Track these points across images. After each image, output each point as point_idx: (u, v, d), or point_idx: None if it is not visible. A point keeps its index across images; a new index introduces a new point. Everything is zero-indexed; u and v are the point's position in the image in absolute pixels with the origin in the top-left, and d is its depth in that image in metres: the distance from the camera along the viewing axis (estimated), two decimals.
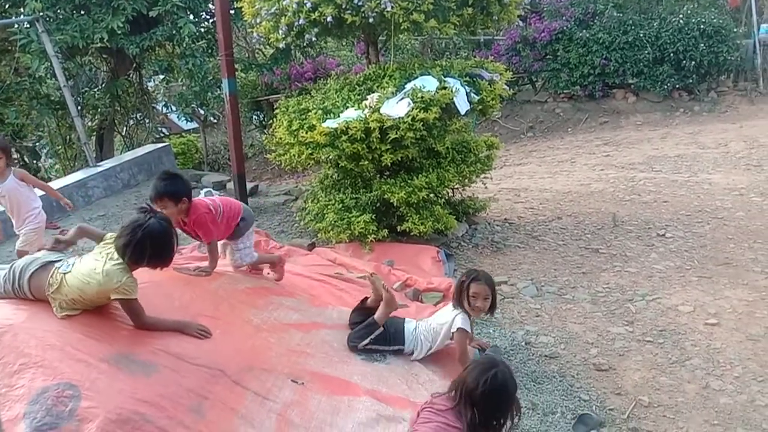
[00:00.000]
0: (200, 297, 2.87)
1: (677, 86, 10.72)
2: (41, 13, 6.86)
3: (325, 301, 3.41)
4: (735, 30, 11.10)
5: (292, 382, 2.52)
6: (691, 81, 10.67)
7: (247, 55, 11.04)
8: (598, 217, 5.63)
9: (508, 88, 5.29)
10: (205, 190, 6.78)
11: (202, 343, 2.52)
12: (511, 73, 5.71)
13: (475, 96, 4.88)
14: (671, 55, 10.52)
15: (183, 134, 11.90)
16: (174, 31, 7.42)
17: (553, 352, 3.35)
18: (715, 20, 10.60)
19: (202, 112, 8.93)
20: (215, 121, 10.49)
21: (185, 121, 10.35)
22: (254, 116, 10.49)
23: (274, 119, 5.23)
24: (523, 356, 3.30)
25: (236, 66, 7.19)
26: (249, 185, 6.53)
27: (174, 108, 9.42)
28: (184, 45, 7.63)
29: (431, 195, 4.79)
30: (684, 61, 10.49)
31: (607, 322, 3.67)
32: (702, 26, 10.45)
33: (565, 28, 11.11)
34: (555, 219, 5.67)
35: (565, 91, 11.27)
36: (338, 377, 2.68)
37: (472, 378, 2.07)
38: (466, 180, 5.13)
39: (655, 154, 8.06)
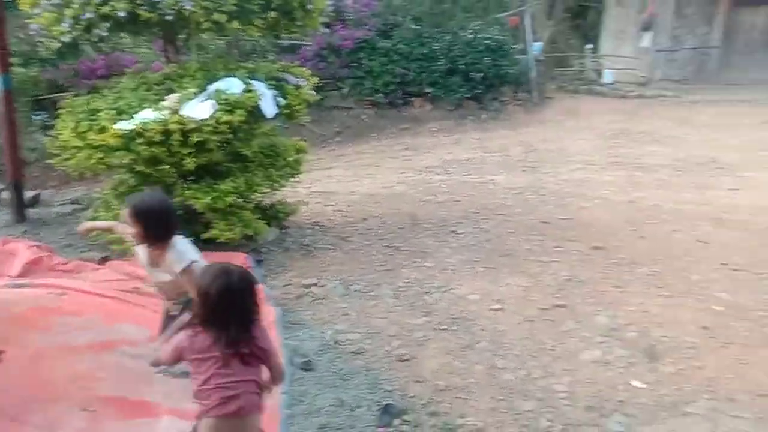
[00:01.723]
0: None
1: (467, 96, 11.80)
2: None
3: (120, 319, 3.18)
4: (514, 46, 12.55)
5: (81, 411, 2.31)
6: (478, 91, 11.81)
7: (27, 48, 9.83)
8: (399, 217, 5.99)
9: (314, 93, 5.39)
10: None
11: None
12: (318, 78, 5.85)
13: (282, 100, 4.90)
14: (461, 67, 11.56)
15: None
16: None
17: (360, 348, 3.50)
18: (498, 36, 11.88)
19: None
20: None
21: None
22: (36, 116, 9.35)
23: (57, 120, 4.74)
24: (331, 355, 3.40)
25: (13, 60, 6.38)
26: (29, 194, 5.83)
27: None
28: None
29: (239, 200, 4.71)
30: (472, 73, 11.58)
31: (408, 315, 3.93)
32: (487, 41, 11.65)
33: (368, 37, 11.62)
34: (362, 220, 5.92)
35: (369, 98, 11.79)
36: (135, 399, 2.52)
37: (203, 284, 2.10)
38: (276, 184, 5.12)
39: (449, 158, 8.79)
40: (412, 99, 11.88)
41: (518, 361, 3.45)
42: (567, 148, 8.99)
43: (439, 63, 11.55)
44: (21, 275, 3.85)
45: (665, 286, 4.36)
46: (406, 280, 4.46)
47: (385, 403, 2.98)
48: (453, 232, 5.52)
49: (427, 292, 4.25)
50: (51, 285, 3.43)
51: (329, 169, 8.48)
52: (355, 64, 11.71)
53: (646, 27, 14.49)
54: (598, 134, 9.94)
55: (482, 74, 11.60)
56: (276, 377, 2.26)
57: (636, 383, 3.25)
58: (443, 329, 3.75)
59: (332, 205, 6.48)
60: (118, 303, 3.40)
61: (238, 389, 2.05)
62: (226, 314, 2.09)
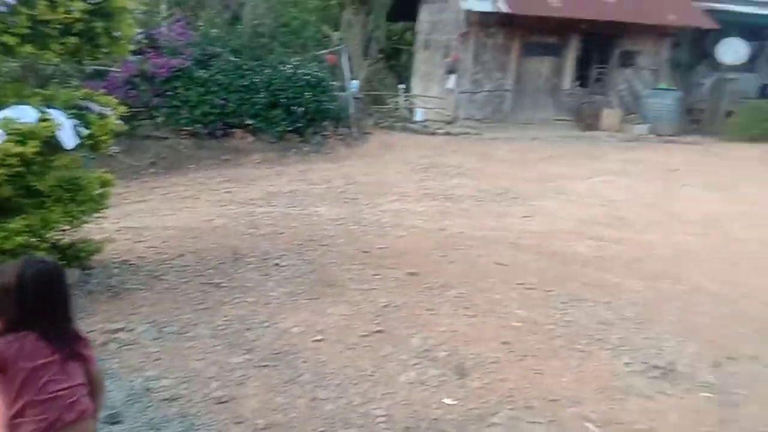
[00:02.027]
0: None
1: (289, 129, 11.91)
2: None
3: None
4: (333, 83, 12.98)
5: None
6: (300, 125, 11.99)
7: None
8: (220, 251, 5.82)
9: (122, 123, 5.07)
10: None
11: None
12: (128, 107, 5.51)
13: (84, 130, 4.55)
14: (283, 100, 11.67)
15: None
16: None
17: (174, 394, 3.31)
18: (317, 73, 12.20)
19: None
20: None
21: None
22: None
23: None
24: (142, 405, 3.17)
25: None
26: None
27: None
28: None
29: (32, 239, 4.24)
30: (293, 107, 11.74)
31: (228, 354, 3.81)
32: (307, 77, 11.91)
33: (183, 66, 11.25)
34: (178, 256, 5.64)
35: (186, 128, 11.37)
36: None
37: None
38: (77, 221, 4.70)
39: (272, 189, 8.77)
40: (233, 130, 11.69)
41: (339, 390, 3.51)
42: (385, 181, 9.46)
43: (260, 95, 11.54)
44: None
45: (471, 307, 4.75)
46: (226, 318, 4.33)
47: None
48: (276, 264, 5.49)
49: (248, 329, 4.16)
50: None
51: (142, 203, 7.99)
52: (170, 93, 11.24)
53: (451, 70, 15.89)
54: (412, 168, 10.61)
55: (303, 108, 11.81)
56: (98, 390, 2.01)
57: (448, 400, 3.48)
58: (265, 365, 3.70)
59: (144, 241, 6.10)
60: None
61: (77, 394, 1.86)
62: (51, 306, 1.88)
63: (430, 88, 18.06)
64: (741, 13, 16.86)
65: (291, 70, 11.87)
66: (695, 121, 16.75)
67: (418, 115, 15.67)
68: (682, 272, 5.81)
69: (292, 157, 11.32)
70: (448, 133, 14.34)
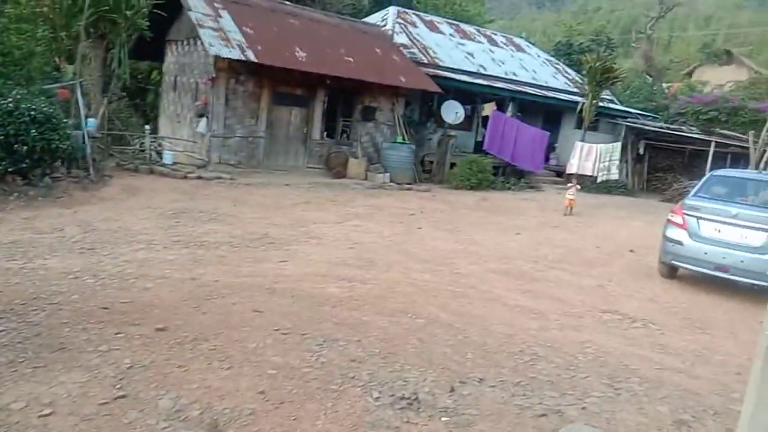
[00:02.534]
0: None
1: (10, 170, 10.36)
2: None
3: None
4: (66, 120, 11.70)
5: None
6: (24, 165, 10.51)
7: None
8: None
9: None
10: None
11: None
12: None
13: None
14: (2, 138, 10.13)
15: None
16: None
17: None
18: (45, 108, 10.89)
19: None
20: None
21: None
22: None
23: None
24: None
25: None
26: None
27: None
28: None
29: None
30: (16, 145, 10.28)
31: None
32: (33, 113, 10.55)
33: None
34: None
35: None
36: None
37: None
38: None
39: None
40: None
41: None
42: (129, 228, 8.75)
43: None
44: None
45: (226, 359, 4.60)
46: None
47: None
48: None
49: None
50: None
51: None
52: None
53: (201, 114, 15.58)
54: (160, 213, 10.02)
55: (28, 147, 10.40)
56: None
57: None
58: None
59: None
60: None
61: None
62: None
63: (179, 130, 17.45)
64: (458, 80, 19.80)
65: (12, 105, 10.40)
66: (427, 171, 19.00)
67: (168, 157, 14.96)
68: (419, 307, 6.43)
69: (13, 203, 9.82)
70: (200, 177, 13.94)
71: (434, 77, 18.75)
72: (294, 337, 5.20)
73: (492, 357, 5.28)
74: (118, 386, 3.97)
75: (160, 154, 15.43)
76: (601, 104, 22.25)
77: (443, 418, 4.08)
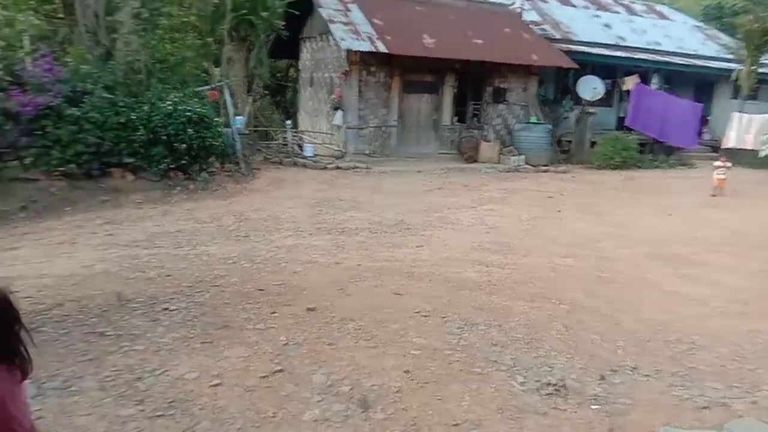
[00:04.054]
0: None
1: (172, 167, 11.46)
2: None
3: None
4: (217, 119, 12.71)
5: None
6: (184, 162, 11.58)
7: None
8: (103, 298, 5.43)
9: None
10: None
11: None
12: None
13: None
14: (164, 137, 11.23)
15: None
16: None
17: None
18: (199, 109, 11.89)
19: None
20: None
21: None
22: None
23: None
24: None
25: None
26: None
27: None
28: None
29: None
30: (176, 144, 11.34)
31: (117, 406, 3.55)
32: (188, 113, 11.57)
33: (52, 104, 10.54)
34: (56, 306, 5.20)
35: (59, 169, 10.59)
36: None
37: None
38: None
39: (157, 230, 8.36)
40: (111, 169, 11.05)
41: None
42: (277, 216, 9.34)
43: (138, 133, 11.04)
44: None
45: (371, 338, 4.78)
46: (114, 368, 4.03)
47: None
48: (165, 309, 5.22)
49: (139, 378, 3.91)
50: None
51: (13, 250, 7.29)
52: (39, 132, 10.46)
53: (337, 107, 16.16)
54: (304, 202, 10.57)
55: (186, 145, 11.43)
56: None
57: None
58: (159, 416, 3.48)
59: (17, 291, 5.52)
60: None
61: None
62: (15, 331, 1.92)
63: (318, 124, 18.23)
64: (595, 54, 18.72)
65: (171, 107, 11.49)
66: (564, 151, 18.21)
67: (308, 150, 15.72)
68: (563, 292, 6.22)
69: (177, 196, 10.87)
70: (338, 168, 14.48)
71: (568, 53, 17.89)
72: (434, 319, 5.26)
73: (645, 345, 4.98)
74: (275, 361, 4.27)
75: (301, 147, 16.25)
76: (761, 70, 19.94)
77: (593, 406, 3.93)
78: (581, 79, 18.54)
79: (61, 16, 15.72)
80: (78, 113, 10.64)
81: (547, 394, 4.04)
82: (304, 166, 14.66)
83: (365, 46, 15.06)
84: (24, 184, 10.29)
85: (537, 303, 5.84)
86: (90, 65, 12.32)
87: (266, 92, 20.76)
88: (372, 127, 16.14)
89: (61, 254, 7.14)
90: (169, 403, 3.63)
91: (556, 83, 19.74)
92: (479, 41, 17.07)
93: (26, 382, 2.00)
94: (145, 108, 11.28)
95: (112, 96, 11.27)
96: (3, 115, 10.14)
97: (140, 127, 11.06)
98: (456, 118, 17.26)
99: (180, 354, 4.35)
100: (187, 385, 3.87)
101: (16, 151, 10.60)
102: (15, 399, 1.89)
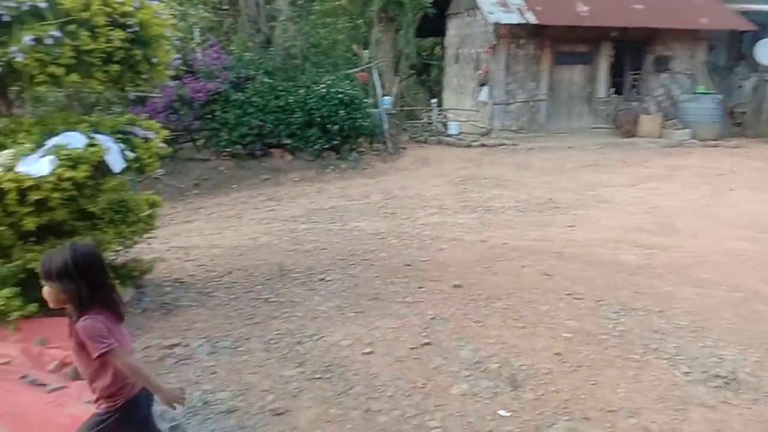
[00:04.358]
0: None
1: (326, 147, 12.05)
2: None
3: None
4: (366, 100, 13.09)
5: None
6: (336, 142, 12.12)
7: None
8: (266, 268, 5.89)
9: (165, 146, 5.20)
10: None
11: None
12: (169, 131, 5.67)
13: (130, 154, 4.68)
14: (318, 119, 11.82)
15: None
16: None
17: (231, 406, 3.35)
18: (350, 91, 12.34)
19: None
20: None
21: None
22: None
23: None
24: (200, 417, 3.22)
25: None
26: None
27: None
28: None
29: None
30: (329, 125, 11.88)
31: (281, 367, 3.85)
32: (340, 95, 12.05)
33: (220, 89, 11.52)
34: (226, 274, 5.73)
35: (226, 150, 11.60)
36: None
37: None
38: (128, 241, 4.84)
39: (313, 207, 8.86)
40: (272, 150, 11.89)
41: (392, 402, 3.50)
42: (423, 194, 9.46)
43: (295, 115, 11.72)
44: None
45: (520, 318, 4.69)
46: (277, 332, 4.37)
47: None
48: (321, 279, 5.54)
49: (299, 342, 4.20)
50: None
51: (188, 223, 8.15)
52: (209, 116, 11.51)
53: (483, 83, 15.88)
54: (449, 180, 10.59)
55: (338, 126, 11.94)
56: None
57: (502, 412, 3.43)
58: (317, 378, 3.72)
59: (193, 259, 6.22)
60: None
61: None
62: (104, 280, 2.24)
63: (462, 101, 18.07)
64: None
65: (324, 90, 12.04)
66: (737, 124, 16.34)
67: (452, 128, 15.67)
68: (736, 278, 5.63)
69: (330, 174, 11.42)
70: (483, 145, 14.28)
71: (744, 13, 15.92)
72: (587, 302, 5.03)
73: None
74: (423, 334, 4.36)
75: (445, 125, 16.24)
76: None
77: None
78: (760, 42, 16.42)
79: (226, 7, 17.07)
80: (242, 98, 11.54)
81: (716, 387, 3.71)
82: (449, 144, 14.64)
83: (514, 18, 14.57)
84: (197, 163, 11.42)
85: (705, 289, 5.35)
86: (252, 52, 13.27)
87: (412, 72, 20.96)
88: (519, 102, 15.67)
89: (229, 227, 7.84)
90: (327, 366, 3.86)
91: (729, 48, 17.67)
92: (639, 6, 15.76)
93: (123, 324, 2.33)
94: (301, 91, 11.93)
95: (271, 81, 12.05)
96: (179, 101, 11.27)
97: (297, 109, 11.73)
98: (612, 90, 16.17)
99: (335, 322, 4.60)
100: (342, 351, 4.09)
101: (190, 134, 11.79)
102: (115, 333, 2.20)
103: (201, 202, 9.76)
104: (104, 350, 2.11)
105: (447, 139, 14.98)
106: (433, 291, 5.25)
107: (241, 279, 5.57)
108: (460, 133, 15.51)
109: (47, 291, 2.19)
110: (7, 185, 3.81)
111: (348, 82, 13.09)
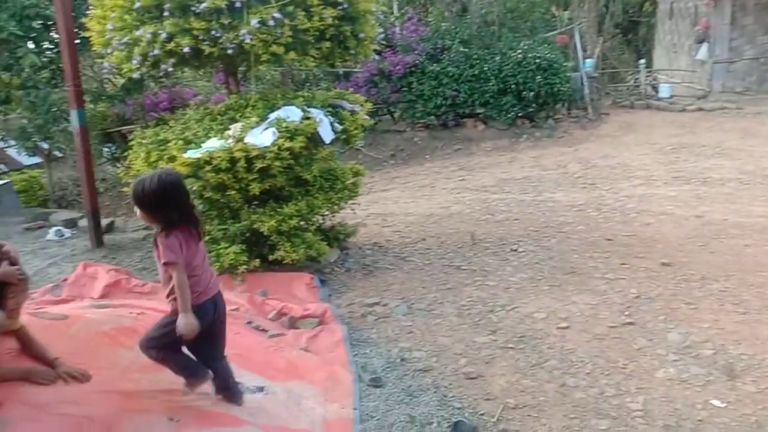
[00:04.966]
0: (60, 341, 2.66)
1: (520, 115, 11.75)
2: None
3: None
4: (565, 64, 12.45)
5: (168, 421, 2.41)
6: (531, 110, 11.75)
7: (95, 85, 10.40)
8: (458, 236, 5.98)
9: (369, 118, 5.49)
10: (54, 228, 6.27)
11: (67, 389, 2.33)
12: (371, 104, 5.97)
13: (339, 126, 5.02)
14: (513, 86, 11.54)
15: (24, 170, 10.87)
16: (12, 61, 6.87)
17: (427, 365, 3.50)
18: (548, 55, 11.82)
19: (45, 146, 8.24)
20: (61, 155, 9.72)
21: (26, 156, 9.48)
22: (105, 149, 9.86)
23: (128, 151, 4.99)
24: (399, 372, 3.41)
25: (85, 97, 6.78)
26: (104, 221, 6.13)
27: (13, 142, 8.62)
28: (24, 75, 7.07)
29: (302, 222, 4.83)
30: (524, 92, 11.54)
31: (473, 333, 3.91)
32: (537, 60, 11.61)
33: (417, 62, 11.77)
34: (420, 240, 5.94)
35: (421, 121, 11.90)
36: (214, 411, 2.60)
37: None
38: (335, 206, 5.23)
39: (505, 176, 8.74)
40: (464, 120, 11.92)
41: (590, 380, 3.37)
42: (627, 164, 8.80)
43: (489, 83, 11.57)
44: (102, 297, 4.06)
45: (741, 303, 4.19)
46: (469, 299, 4.44)
47: (455, 420, 2.97)
48: (514, 250, 5.48)
49: (491, 311, 4.22)
50: (130, 306, 3.58)
51: (385, 191, 8.57)
52: (405, 89, 11.86)
53: (701, 39, 14.13)
54: (658, 149, 9.70)
55: (534, 93, 11.54)
56: None
57: (716, 402, 3.12)
58: (510, 347, 3.71)
59: (390, 226, 6.54)
60: None
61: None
62: (188, 203, 2.56)
63: (675, 61, 16.31)
64: None
65: (520, 55, 11.68)
66: None
67: (664, 90, 14.25)
68: None
69: (523, 143, 11.15)
70: (700, 109, 12.79)
71: None
72: None
73: None
74: (626, 313, 4.10)
75: (655, 88, 14.84)
76: None
77: None
78: None
79: None
80: (437, 69, 11.68)
81: None
82: (659, 108, 13.37)
83: None
84: (393, 135, 11.90)
85: None
86: (448, 22, 13.32)
87: (617, 31, 19.39)
88: (747, 59, 13.69)
89: (422, 196, 8.08)
90: (519, 337, 3.84)
91: None
92: None
93: (202, 242, 2.64)
94: (497, 59, 11.73)
95: (466, 50, 12.01)
96: (379, 75, 11.77)
97: (491, 77, 11.58)
98: None
99: (528, 293, 4.53)
100: (536, 324, 4.02)
101: (388, 107, 12.27)
102: (190, 248, 2.51)
103: (397, 171, 10.17)
104: (166, 261, 2.45)
105: (657, 103, 13.70)
106: (637, 268, 4.90)
107: (434, 246, 5.72)
108: (673, 96, 14.07)
109: (139, 213, 2.54)
110: (237, 154, 4.33)
111: (546, 46, 12.55)
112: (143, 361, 2.76)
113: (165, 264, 2.47)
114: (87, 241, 5.86)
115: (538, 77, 11.52)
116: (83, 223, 6.14)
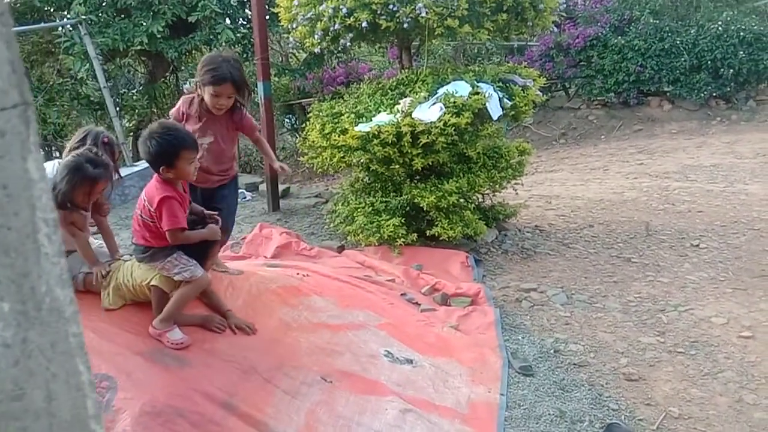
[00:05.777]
0: (234, 295, 2.94)
1: (714, 94, 10.52)
2: (84, 17, 7.10)
3: (352, 303, 3.44)
4: None
5: (321, 380, 2.56)
6: (728, 89, 10.46)
7: (280, 59, 11.21)
8: (630, 225, 5.56)
9: (541, 94, 5.25)
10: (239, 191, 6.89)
11: (235, 339, 2.58)
12: (545, 79, 5.69)
13: (508, 101, 4.86)
14: (709, 62, 10.33)
15: None
16: (212, 36, 7.61)
17: (582, 360, 3.32)
18: (755, 27, 10.39)
19: None
20: None
21: None
22: (286, 119, 10.63)
23: (307, 122, 5.30)
24: (551, 364, 3.28)
25: (270, 70, 7.33)
26: (281, 187, 6.62)
27: None
28: (221, 49, 7.82)
29: (461, 200, 4.79)
30: (722, 69, 10.29)
31: (638, 332, 3.63)
32: (741, 33, 10.25)
33: (599, 34, 11.00)
34: (586, 227, 5.62)
35: (598, 98, 11.15)
36: (365, 377, 2.71)
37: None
38: (497, 186, 5.11)
39: (691, 163, 7.91)
40: (648, 98, 10.96)
41: None
42: None
43: (681, 59, 10.47)
44: (274, 257, 4.41)
45: None
46: (637, 295, 4.12)
47: (609, 421, 2.79)
48: (694, 245, 4.96)
49: (661, 310, 3.88)
50: (297, 267, 3.85)
51: (552, 172, 8.21)
52: (584, 63, 11.17)
53: None
54: None
55: (734, 70, 10.23)
56: None
57: None
58: (679, 352, 3.39)
59: (554, 209, 6.26)
60: (351, 288, 3.68)
61: None
62: None
63: None
64: None
65: (721, 28, 10.37)
66: None
67: None
68: None
69: (715, 126, 9.99)
70: None
71: None
72: None
73: None
74: None
75: None
76: None
77: None
78: None
79: None
80: (622, 42, 10.82)
81: None
82: None
83: None
84: (566, 112, 11.30)
85: None
86: None
87: None
88: None
89: (593, 179, 7.61)
90: (692, 342, 3.49)
91: None
92: None
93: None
94: (692, 31, 10.58)
95: (657, 21, 10.97)
96: (556, 49, 11.21)
97: (684, 52, 10.47)
98: None
99: (706, 295, 4.09)
100: (713, 329, 3.63)
101: (563, 82, 11.66)
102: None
103: (566, 152, 9.68)
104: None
105: None
106: None
107: (602, 234, 5.38)
108: None
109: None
110: (404, 129, 4.39)
111: (754, 17, 11.02)
112: (303, 320, 2.96)
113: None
114: (265, 204, 6.38)
115: (741, 53, 10.17)
116: (263, 187, 6.68)
